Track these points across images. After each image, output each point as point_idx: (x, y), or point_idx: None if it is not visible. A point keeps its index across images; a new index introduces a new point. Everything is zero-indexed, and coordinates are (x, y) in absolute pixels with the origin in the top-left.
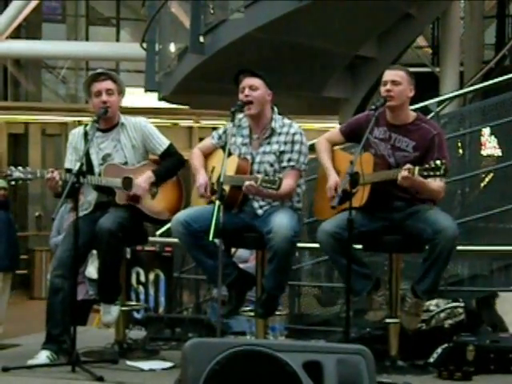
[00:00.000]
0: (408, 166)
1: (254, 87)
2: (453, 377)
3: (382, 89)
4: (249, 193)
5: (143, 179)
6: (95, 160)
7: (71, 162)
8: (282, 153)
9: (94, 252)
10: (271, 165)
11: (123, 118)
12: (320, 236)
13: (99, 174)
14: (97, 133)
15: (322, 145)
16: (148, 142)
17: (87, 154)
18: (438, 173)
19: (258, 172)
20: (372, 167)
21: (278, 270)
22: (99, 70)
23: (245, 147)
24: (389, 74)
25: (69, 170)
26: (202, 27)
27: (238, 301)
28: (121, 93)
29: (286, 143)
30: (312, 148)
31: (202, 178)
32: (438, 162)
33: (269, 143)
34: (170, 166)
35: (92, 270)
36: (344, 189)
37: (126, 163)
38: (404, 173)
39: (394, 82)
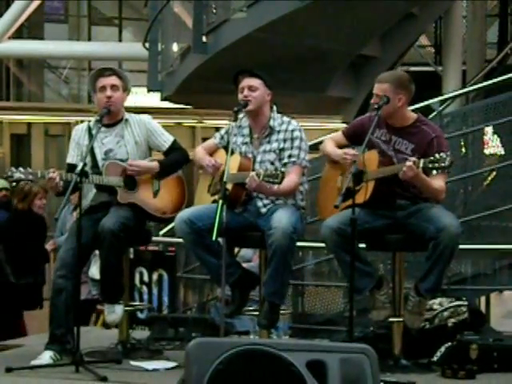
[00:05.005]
0: (413, 158)
1: (253, 88)
2: (456, 375)
3: None
4: (251, 187)
5: (144, 163)
6: (98, 154)
7: (73, 157)
8: (282, 150)
9: (97, 252)
10: (272, 163)
11: (127, 115)
12: (324, 232)
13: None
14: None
15: (328, 143)
16: (153, 139)
17: (91, 148)
18: (442, 164)
19: None
20: (377, 165)
21: (278, 270)
22: (105, 66)
23: (245, 146)
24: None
25: (70, 165)
26: (204, 27)
27: (242, 300)
28: (126, 90)
29: (285, 140)
30: (314, 147)
31: (207, 159)
32: (443, 154)
33: (269, 142)
34: (175, 160)
35: (95, 271)
36: (348, 187)
37: (127, 160)
38: (408, 163)
39: (376, 95)
